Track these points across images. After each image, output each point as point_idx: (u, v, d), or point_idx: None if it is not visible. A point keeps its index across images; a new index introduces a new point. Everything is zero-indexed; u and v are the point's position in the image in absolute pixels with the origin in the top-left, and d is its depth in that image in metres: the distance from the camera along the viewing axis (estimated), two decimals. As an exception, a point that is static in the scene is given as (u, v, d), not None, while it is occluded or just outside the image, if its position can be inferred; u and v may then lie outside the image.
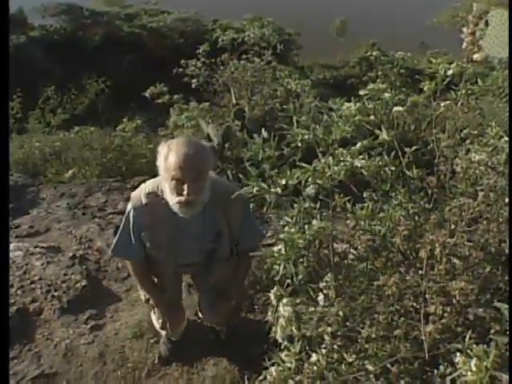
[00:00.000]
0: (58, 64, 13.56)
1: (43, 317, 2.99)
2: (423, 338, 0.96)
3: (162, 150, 1.94)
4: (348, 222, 1.46)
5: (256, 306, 3.09)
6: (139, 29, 17.71)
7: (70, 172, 5.35)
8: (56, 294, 3.13)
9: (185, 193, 1.87)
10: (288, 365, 1.29)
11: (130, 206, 2.15)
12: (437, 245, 1.00)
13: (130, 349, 2.75)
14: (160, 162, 1.94)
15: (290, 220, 1.20)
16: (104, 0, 26.13)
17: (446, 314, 0.97)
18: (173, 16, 19.26)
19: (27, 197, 4.68)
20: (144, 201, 2.08)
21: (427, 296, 1.03)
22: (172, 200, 1.94)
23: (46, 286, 3.19)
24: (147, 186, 2.14)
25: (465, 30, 1.25)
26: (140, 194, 2.11)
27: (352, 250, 1.45)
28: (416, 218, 1.34)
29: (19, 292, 3.13)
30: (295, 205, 1.22)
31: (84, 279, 3.27)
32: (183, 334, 2.74)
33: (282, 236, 1.18)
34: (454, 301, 0.98)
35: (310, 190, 1.21)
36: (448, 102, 1.48)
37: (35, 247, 3.61)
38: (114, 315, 3.05)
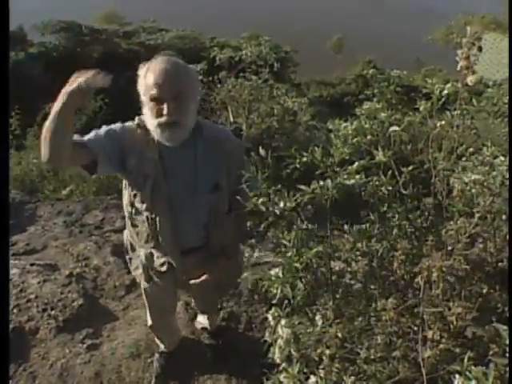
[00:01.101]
0: (57, 81, 13.54)
1: (39, 336, 2.96)
2: (421, 362, 0.96)
3: (141, 70, 1.79)
4: (344, 240, 1.46)
5: (254, 325, 3.08)
6: (137, 46, 17.91)
7: (68, 189, 5.35)
8: (52, 312, 3.11)
9: (164, 112, 1.71)
10: (286, 387, 1.28)
11: (119, 126, 1.91)
12: (433, 269, 1.00)
13: (127, 368, 2.72)
14: (139, 84, 1.79)
15: (287, 243, 1.20)
16: (103, 18, 26.49)
17: (443, 340, 0.97)
18: (171, 34, 19.50)
19: (24, 214, 4.67)
20: (136, 123, 1.88)
21: (425, 317, 1.03)
22: (153, 124, 1.75)
23: (43, 305, 3.17)
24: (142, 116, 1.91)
25: (459, 52, 1.28)
26: (136, 118, 1.91)
27: (349, 269, 1.45)
28: (413, 237, 1.34)
29: (15, 311, 3.11)
30: (293, 226, 1.22)
31: (80, 298, 3.25)
32: (179, 353, 2.73)
33: (279, 260, 1.18)
34: (452, 326, 0.99)
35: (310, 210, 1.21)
36: (444, 122, 1.50)
37: (32, 265, 3.59)
38: (110, 334, 3.02)
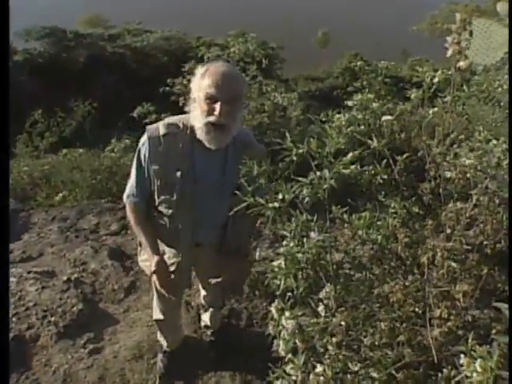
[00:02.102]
0: (44, 87, 13.55)
1: (40, 343, 2.95)
2: (430, 341, 0.97)
3: (199, 70, 1.82)
4: (345, 231, 1.47)
5: (255, 320, 3.09)
6: (123, 49, 17.81)
7: (60, 195, 5.31)
8: (52, 319, 3.10)
9: (216, 112, 1.73)
10: (293, 377, 1.29)
11: (143, 139, 1.93)
12: (438, 250, 1.02)
13: (131, 371, 2.72)
14: (194, 83, 1.81)
15: (288, 234, 1.21)
16: (87, 21, 26.31)
17: (451, 317, 0.99)
18: (156, 35, 19.40)
19: (18, 222, 4.63)
20: (162, 131, 1.89)
21: (430, 300, 1.05)
22: (201, 121, 1.77)
23: (42, 312, 3.15)
24: (169, 119, 1.97)
25: (449, 39, 1.29)
26: (158, 125, 1.92)
27: (348, 259, 1.46)
28: (411, 224, 1.36)
29: (14, 319, 3.09)
30: (293, 219, 1.23)
31: (80, 303, 3.24)
32: (182, 352, 2.73)
33: (281, 251, 1.19)
34: (458, 303, 1.00)
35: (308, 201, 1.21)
36: (436, 109, 1.51)
37: (29, 272, 3.57)
38: (112, 337, 3.01)
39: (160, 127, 1.90)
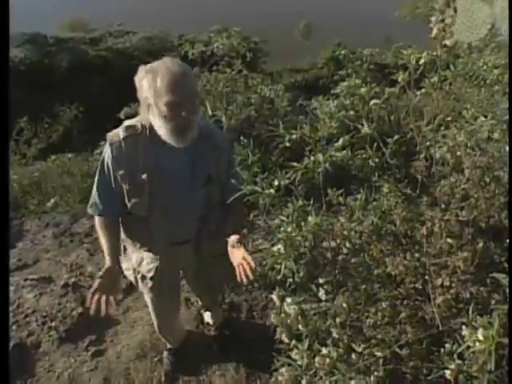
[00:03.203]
0: (28, 94, 13.40)
1: (42, 349, 2.94)
2: (433, 311, 0.99)
3: (143, 76, 1.73)
4: (340, 218, 1.49)
5: (255, 312, 3.10)
6: (105, 51, 17.63)
7: (52, 201, 5.27)
8: (52, 324, 3.09)
9: (184, 114, 1.69)
10: (299, 362, 1.30)
11: (105, 146, 1.88)
12: (436, 221, 1.03)
13: (135, 370, 2.72)
14: (145, 87, 1.72)
15: (285, 219, 1.21)
16: (67, 26, 26.00)
17: (453, 284, 1.00)
18: (138, 36, 19.24)
19: (11, 230, 4.61)
20: (122, 135, 1.83)
21: (431, 270, 1.06)
22: (167, 128, 1.73)
23: (42, 318, 3.15)
24: (127, 122, 1.90)
25: (433, 18, 1.30)
26: (118, 130, 1.87)
27: (347, 244, 1.48)
28: (406, 203, 1.37)
29: (14, 327, 3.08)
30: (289, 204, 1.24)
31: (79, 306, 3.23)
32: (186, 348, 2.74)
33: (279, 236, 1.19)
34: (458, 271, 1.02)
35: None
36: (423, 91, 1.53)
37: (25, 280, 3.56)
38: (114, 339, 3.02)
39: (120, 132, 1.86)
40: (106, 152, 1.88)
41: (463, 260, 0.99)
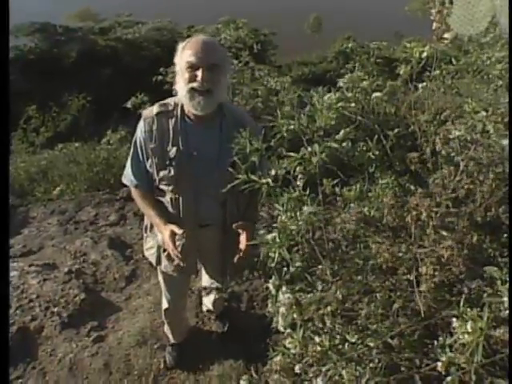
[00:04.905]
0: (37, 83, 13.47)
1: (44, 334, 2.98)
2: (417, 298, 0.99)
3: (180, 45, 1.88)
4: (336, 208, 1.49)
5: (255, 303, 3.12)
6: (114, 41, 17.65)
7: (58, 189, 5.32)
8: (55, 309, 3.13)
9: (198, 78, 1.78)
10: (292, 351, 1.31)
11: (140, 122, 2.01)
12: (423, 210, 1.04)
13: (135, 356, 2.76)
14: (176, 57, 1.87)
15: (281, 208, 1.22)
16: (76, 16, 26.06)
17: (436, 273, 1.01)
18: (147, 26, 19.23)
19: (17, 217, 4.66)
20: (156, 111, 1.96)
21: (419, 259, 1.07)
22: (184, 89, 1.82)
23: (45, 303, 3.19)
24: (161, 101, 2.03)
25: (433, 11, 1.30)
26: (152, 107, 1.99)
27: (344, 234, 1.48)
28: (400, 193, 1.38)
29: (18, 312, 3.12)
30: (285, 194, 1.24)
31: (82, 292, 3.27)
32: (189, 340, 2.77)
33: (275, 224, 1.21)
34: (443, 259, 1.02)
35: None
36: (425, 84, 1.52)
37: (30, 266, 3.60)
38: (115, 325, 3.05)
39: (154, 108, 1.97)
40: (140, 127, 1.98)
41: (446, 248, 1.00)
